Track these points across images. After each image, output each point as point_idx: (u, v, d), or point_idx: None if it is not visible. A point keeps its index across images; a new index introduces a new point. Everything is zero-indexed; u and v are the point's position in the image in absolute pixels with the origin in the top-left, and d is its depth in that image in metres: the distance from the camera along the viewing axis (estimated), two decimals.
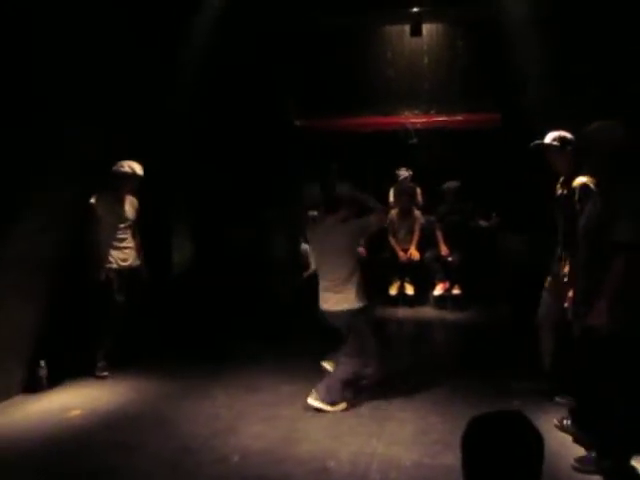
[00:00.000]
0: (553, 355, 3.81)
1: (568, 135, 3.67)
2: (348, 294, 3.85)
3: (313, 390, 3.81)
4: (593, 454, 2.93)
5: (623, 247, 2.66)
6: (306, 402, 3.80)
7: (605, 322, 2.70)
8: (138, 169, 4.51)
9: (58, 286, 4.30)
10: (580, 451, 3.03)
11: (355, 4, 7.74)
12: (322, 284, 3.97)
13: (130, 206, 4.67)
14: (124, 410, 3.85)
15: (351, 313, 3.85)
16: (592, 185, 3.23)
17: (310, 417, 3.68)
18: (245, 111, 7.19)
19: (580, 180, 3.39)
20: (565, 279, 3.45)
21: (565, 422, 3.33)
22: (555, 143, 3.66)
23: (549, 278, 3.85)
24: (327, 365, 4.24)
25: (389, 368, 4.68)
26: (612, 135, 2.81)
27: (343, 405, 3.83)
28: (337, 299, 3.87)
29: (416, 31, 7.95)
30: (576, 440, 3.16)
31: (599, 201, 2.87)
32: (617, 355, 2.76)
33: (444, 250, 6.86)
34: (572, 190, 3.49)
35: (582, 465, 2.93)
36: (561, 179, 3.80)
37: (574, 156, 3.57)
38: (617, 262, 2.67)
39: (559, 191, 3.81)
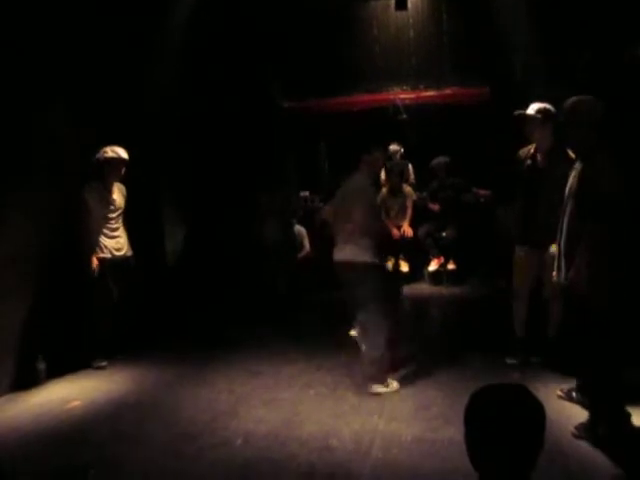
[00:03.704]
0: (527, 322, 4.01)
1: (552, 108, 3.72)
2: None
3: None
4: (591, 420, 2.96)
5: (605, 210, 2.75)
6: (306, 382, 3.82)
7: (581, 281, 2.81)
8: (123, 153, 4.42)
9: (50, 279, 4.26)
10: (580, 418, 3.05)
11: None
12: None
13: (119, 193, 4.60)
14: (124, 399, 3.84)
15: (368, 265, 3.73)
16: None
17: (311, 398, 3.69)
18: (232, 94, 7.10)
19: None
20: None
21: (574, 394, 3.35)
22: (538, 115, 3.73)
23: (519, 248, 3.98)
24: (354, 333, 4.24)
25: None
26: (591, 108, 2.94)
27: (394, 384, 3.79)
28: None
29: (401, 4, 7.83)
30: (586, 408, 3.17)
31: (581, 166, 2.96)
32: (602, 317, 2.81)
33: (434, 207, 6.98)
34: (553, 162, 3.69)
35: (581, 432, 2.96)
36: (530, 150, 3.91)
37: (553, 129, 3.71)
38: (597, 224, 2.77)
39: (527, 162, 3.89)
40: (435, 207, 6.99)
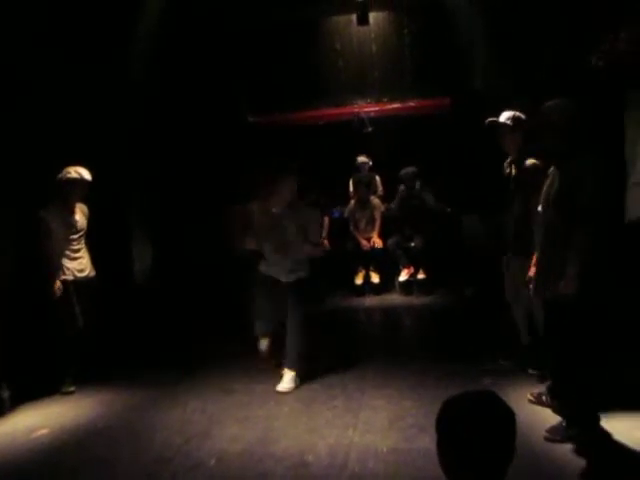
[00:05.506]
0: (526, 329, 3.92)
1: (522, 116, 3.72)
2: None
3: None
4: (563, 423, 3.01)
5: (590, 215, 2.75)
6: (280, 398, 3.80)
7: (574, 290, 2.76)
8: (85, 174, 4.33)
9: (12, 303, 4.13)
10: (551, 422, 3.09)
11: None
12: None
13: (81, 214, 4.50)
14: (93, 425, 3.73)
15: None
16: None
17: (286, 414, 3.66)
18: (198, 109, 7.08)
19: (531, 161, 3.55)
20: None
21: (544, 398, 3.39)
22: (508, 122, 3.71)
23: (506, 257, 3.92)
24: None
25: (360, 357, 4.71)
26: (566, 111, 2.94)
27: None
28: None
29: (363, 20, 7.97)
30: (556, 412, 3.18)
31: (558, 173, 2.95)
32: (585, 322, 2.84)
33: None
34: (523, 170, 3.62)
35: (553, 435, 3.01)
36: (508, 159, 3.89)
37: (523, 137, 3.67)
38: (585, 230, 2.75)
39: (507, 170, 3.89)
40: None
